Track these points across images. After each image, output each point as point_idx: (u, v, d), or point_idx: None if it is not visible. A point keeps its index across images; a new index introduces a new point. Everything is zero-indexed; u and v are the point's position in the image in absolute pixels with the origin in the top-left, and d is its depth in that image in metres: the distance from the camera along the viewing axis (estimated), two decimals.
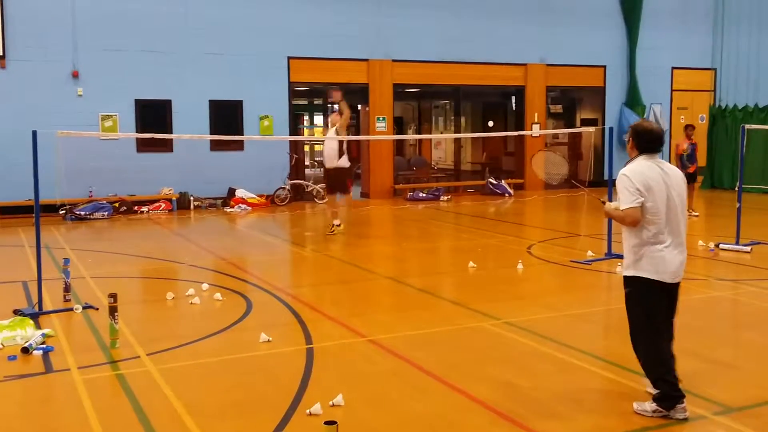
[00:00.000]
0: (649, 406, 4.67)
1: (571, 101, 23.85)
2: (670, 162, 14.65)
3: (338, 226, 12.35)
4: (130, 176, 16.48)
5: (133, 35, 16.49)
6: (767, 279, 8.87)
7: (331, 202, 12.59)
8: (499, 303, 7.73)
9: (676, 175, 4.71)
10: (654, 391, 4.74)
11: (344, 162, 12.14)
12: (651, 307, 4.69)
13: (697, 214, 14.53)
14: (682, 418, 4.58)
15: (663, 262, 4.61)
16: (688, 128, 15.02)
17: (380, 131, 19.28)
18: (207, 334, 6.60)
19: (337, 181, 12.30)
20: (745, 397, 4.98)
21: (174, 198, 16.77)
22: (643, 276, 4.65)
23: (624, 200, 4.60)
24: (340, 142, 11.83)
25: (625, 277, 4.80)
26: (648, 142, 4.69)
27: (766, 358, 5.92)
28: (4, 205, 15.36)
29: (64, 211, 14.90)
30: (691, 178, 14.41)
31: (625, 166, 4.76)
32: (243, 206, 16.85)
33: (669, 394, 4.61)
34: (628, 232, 4.71)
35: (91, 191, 16.13)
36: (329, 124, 11.78)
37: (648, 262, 4.63)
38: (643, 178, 4.58)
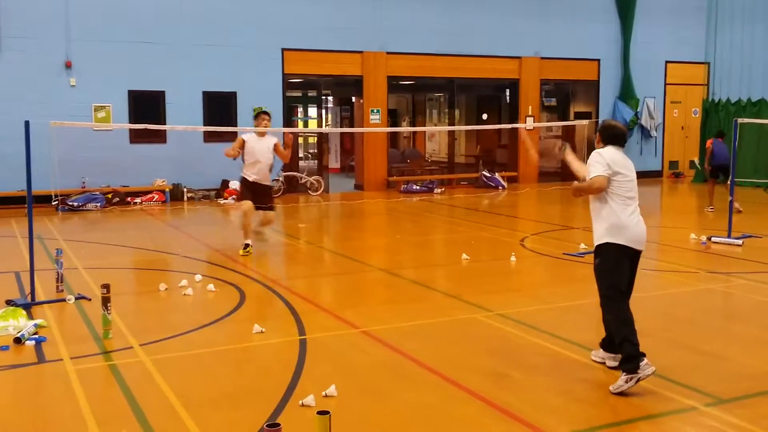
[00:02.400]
0: (621, 378, 4.93)
1: (565, 94, 23.87)
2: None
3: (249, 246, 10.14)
4: (124, 167, 16.43)
5: (126, 26, 16.42)
6: (758, 272, 8.92)
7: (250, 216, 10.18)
8: (492, 295, 7.75)
9: (632, 165, 5.39)
10: (609, 362, 5.34)
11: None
12: (621, 274, 5.21)
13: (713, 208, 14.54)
14: (651, 372, 4.87)
15: (634, 231, 5.19)
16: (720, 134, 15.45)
17: (374, 123, 19.26)
18: (200, 325, 6.60)
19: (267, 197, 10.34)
20: (735, 389, 5.01)
21: (167, 189, 16.74)
22: (616, 242, 5.16)
23: (594, 170, 5.19)
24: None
25: (597, 247, 5.30)
26: (613, 136, 5.38)
27: (756, 349, 5.96)
28: None
29: (56, 202, 14.86)
30: (713, 174, 14.81)
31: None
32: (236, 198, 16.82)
33: (631, 354, 4.93)
34: (600, 203, 5.25)
35: (84, 182, 16.08)
36: (259, 134, 9.94)
37: (619, 231, 5.16)
38: (612, 157, 5.24)
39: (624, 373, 4.92)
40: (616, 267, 5.20)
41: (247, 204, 9.98)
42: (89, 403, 4.80)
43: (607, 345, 5.44)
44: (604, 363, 5.46)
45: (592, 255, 5.44)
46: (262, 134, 9.97)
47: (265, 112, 10.01)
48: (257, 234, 10.37)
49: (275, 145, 10.04)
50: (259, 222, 10.33)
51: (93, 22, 16.13)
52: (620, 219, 5.16)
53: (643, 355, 4.94)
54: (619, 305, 5.17)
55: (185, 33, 16.93)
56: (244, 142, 9.99)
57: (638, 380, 4.87)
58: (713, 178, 14.90)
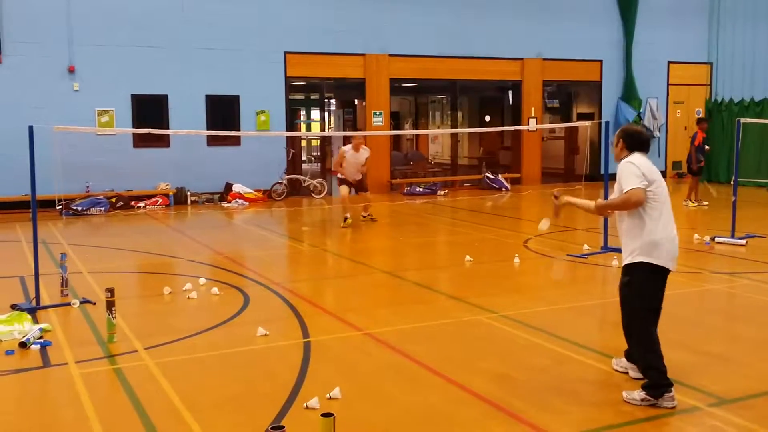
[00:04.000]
0: (638, 394, 4.74)
1: (568, 96, 23.87)
2: (689, 152, 15.63)
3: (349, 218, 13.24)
4: (127, 171, 16.47)
5: (129, 30, 16.47)
6: (762, 272, 8.91)
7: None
8: (495, 296, 7.76)
9: (658, 170, 4.92)
10: (633, 373, 5.05)
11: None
12: (651, 295, 4.82)
13: (707, 203, 15.30)
14: (671, 406, 4.65)
15: (669, 249, 4.77)
16: (704, 122, 16.03)
17: (377, 126, 19.28)
18: (204, 329, 6.62)
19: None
20: (738, 389, 5.01)
21: (171, 193, 16.78)
22: (651, 262, 4.74)
23: (629, 182, 4.70)
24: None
25: (627, 265, 4.87)
26: (640, 143, 4.93)
27: (759, 349, 5.96)
28: (1, 200, 15.34)
29: (60, 207, 14.90)
30: (700, 172, 15.43)
31: (621, 160, 4.91)
32: (240, 201, 16.86)
33: (658, 383, 4.69)
34: (633, 217, 4.80)
35: (87, 186, 16.12)
36: (355, 147, 13.06)
37: (655, 249, 4.73)
38: (648, 168, 4.78)
39: (644, 392, 4.70)
40: (649, 289, 4.81)
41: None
42: (94, 407, 4.82)
43: (631, 356, 5.15)
44: (626, 372, 5.23)
45: (621, 271, 5.02)
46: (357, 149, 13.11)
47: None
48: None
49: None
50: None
51: (96, 27, 16.18)
52: (656, 236, 4.73)
53: (671, 385, 4.70)
54: (647, 330, 4.82)
55: (188, 37, 16.97)
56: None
57: (654, 406, 4.67)
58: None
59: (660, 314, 4.97)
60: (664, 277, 4.83)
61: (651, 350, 4.78)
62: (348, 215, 13.17)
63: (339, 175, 13.50)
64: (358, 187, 13.52)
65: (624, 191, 4.73)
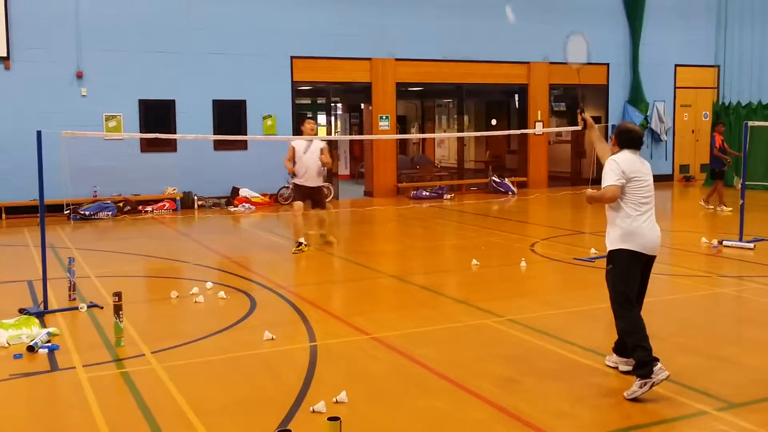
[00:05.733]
0: (635, 384, 4.91)
1: (574, 99, 23.83)
2: (711, 154, 15.76)
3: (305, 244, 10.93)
4: (135, 176, 16.53)
5: (136, 35, 16.53)
6: None
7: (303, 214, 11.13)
8: (502, 300, 7.75)
9: (649, 169, 5.36)
10: (623, 367, 5.34)
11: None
12: (632, 280, 5.20)
13: (731, 209, 14.67)
14: (664, 377, 4.85)
15: (647, 237, 5.17)
16: (720, 125, 16.11)
17: (383, 130, 19.29)
18: (211, 332, 6.63)
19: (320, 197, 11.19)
20: (747, 393, 4.99)
21: (178, 197, 16.82)
22: (629, 248, 5.14)
23: (608, 179, 5.18)
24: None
25: (609, 252, 5.28)
26: (629, 140, 5.33)
27: None
28: (10, 205, 15.42)
29: (68, 211, 14.95)
30: (723, 175, 15.40)
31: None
32: (247, 205, 16.89)
33: (644, 360, 4.91)
34: (614, 209, 5.24)
35: (95, 191, 16.18)
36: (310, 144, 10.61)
37: (632, 237, 5.15)
38: (629, 165, 5.19)
39: (638, 379, 4.90)
40: (627, 273, 5.18)
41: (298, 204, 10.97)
42: (102, 411, 4.83)
43: (619, 349, 5.43)
44: (617, 368, 5.45)
45: (605, 260, 5.43)
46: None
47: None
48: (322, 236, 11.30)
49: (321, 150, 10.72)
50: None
51: (103, 33, 16.26)
52: (633, 225, 5.14)
53: (656, 359, 4.92)
54: (629, 311, 5.15)
55: (195, 42, 17.03)
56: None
57: (652, 385, 4.85)
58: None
59: (643, 298, 5.36)
60: (643, 263, 5.22)
61: (635, 330, 5.08)
62: (302, 240, 10.79)
63: (292, 180, 11.05)
64: (315, 199, 10.95)
65: (603, 186, 5.20)
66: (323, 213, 11.22)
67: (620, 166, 5.17)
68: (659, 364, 4.89)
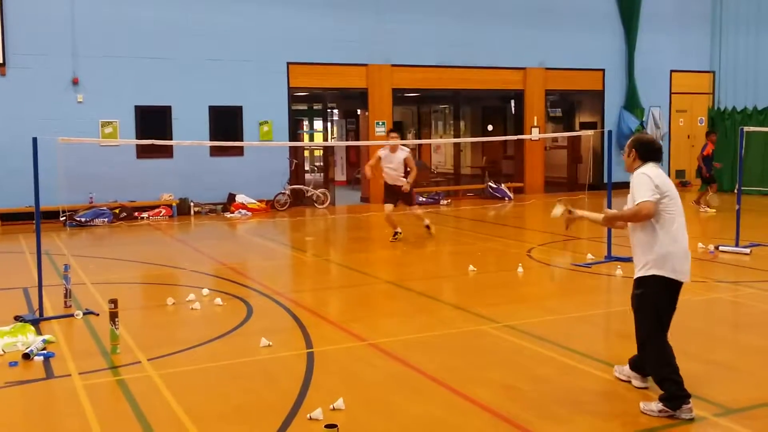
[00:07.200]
0: (656, 405, 4.70)
1: (570, 105, 23.89)
2: (698, 162, 16.50)
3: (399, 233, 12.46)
4: (131, 182, 16.50)
5: (132, 41, 16.53)
6: (766, 281, 8.88)
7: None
8: (499, 306, 7.74)
9: (671, 181, 4.91)
10: (636, 382, 5.06)
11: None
12: (664, 308, 4.81)
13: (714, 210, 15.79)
14: (689, 418, 4.60)
15: (682, 261, 4.75)
16: (713, 134, 16.85)
17: (380, 136, 19.29)
18: (208, 339, 6.61)
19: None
20: (744, 399, 4.99)
21: (174, 204, 16.79)
22: (663, 275, 4.72)
23: (642, 194, 4.67)
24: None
25: (639, 278, 4.85)
26: (653, 151, 4.88)
27: (765, 359, 5.93)
28: (5, 211, 15.37)
29: (64, 218, 14.92)
30: (714, 179, 16.24)
31: (636, 171, 4.88)
32: (243, 211, 16.86)
33: (675, 394, 4.65)
34: (645, 229, 4.77)
35: (91, 197, 16.15)
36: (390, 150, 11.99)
37: (667, 261, 4.71)
38: (662, 180, 4.75)
39: (661, 404, 4.66)
40: (663, 302, 4.78)
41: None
42: (97, 418, 4.81)
43: (637, 366, 5.13)
44: (629, 381, 5.21)
45: (634, 283, 4.96)
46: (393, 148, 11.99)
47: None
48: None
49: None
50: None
51: (99, 39, 16.24)
52: (668, 248, 4.70)
53: (689, 396, 4.65)
54: (661, 342, 4.80)
55: (191, 48, 17.03)
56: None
57: (671, 417, 4.62)
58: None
59: (670, 323, 4.94)
60: (677, 289, 4.81)
61: (666, 363, 4.75)
62: (399, 229, 12.35)
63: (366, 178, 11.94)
64: (405, 200, 12.35)
65: (636, 203, 4.70)
66: (416, 209, 12.79)
67: (653, 180, 4.69)
68: (690, 404, 4.62)
